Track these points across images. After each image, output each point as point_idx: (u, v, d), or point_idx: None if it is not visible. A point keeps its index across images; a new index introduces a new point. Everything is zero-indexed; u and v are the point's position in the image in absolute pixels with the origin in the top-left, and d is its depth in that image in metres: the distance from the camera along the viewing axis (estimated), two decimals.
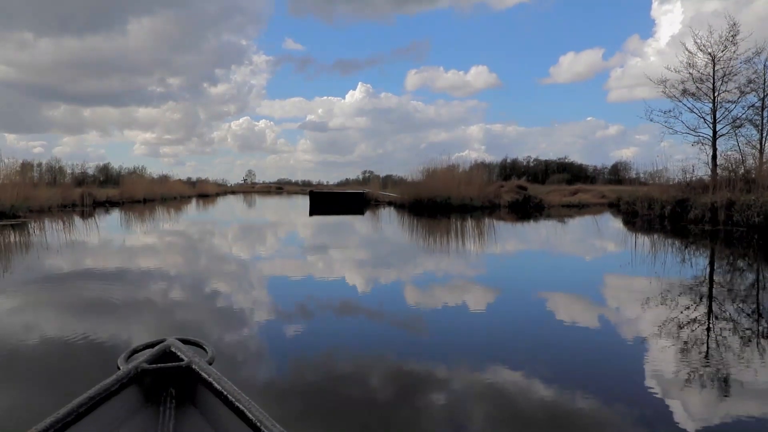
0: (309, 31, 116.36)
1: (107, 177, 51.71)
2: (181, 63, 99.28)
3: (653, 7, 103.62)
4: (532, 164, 79.35)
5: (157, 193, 34.67)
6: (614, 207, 25.58)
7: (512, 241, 12.42)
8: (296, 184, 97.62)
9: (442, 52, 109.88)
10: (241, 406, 1.67)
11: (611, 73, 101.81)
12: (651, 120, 20.80)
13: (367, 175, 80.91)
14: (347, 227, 17.22)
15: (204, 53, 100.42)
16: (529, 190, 28.16)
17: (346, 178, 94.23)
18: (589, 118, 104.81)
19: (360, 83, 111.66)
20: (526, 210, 23.20)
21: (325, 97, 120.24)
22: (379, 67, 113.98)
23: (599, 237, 13.84)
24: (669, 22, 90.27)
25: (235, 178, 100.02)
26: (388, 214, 22.38)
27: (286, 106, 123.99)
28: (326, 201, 28.25)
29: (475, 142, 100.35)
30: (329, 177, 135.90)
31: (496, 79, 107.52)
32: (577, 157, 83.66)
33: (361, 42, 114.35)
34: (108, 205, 25.93)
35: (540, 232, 15.33)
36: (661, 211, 17.48)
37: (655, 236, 13.52)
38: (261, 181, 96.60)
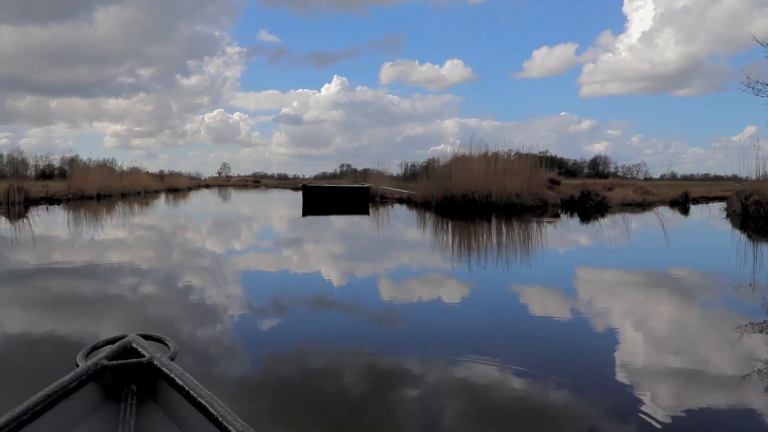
0: (283, 22, 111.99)
1: (74, 170, 46.01)
2: (152, 53, 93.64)
3: (625, 3, 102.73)
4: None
5: (116, 188, 29.21)
6: (679, 205, 21.70)
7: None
8: (272, 177, 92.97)
9: (417, 45, 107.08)
10: (203, 402, 1.57)
11: (584, 68, 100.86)
12: (757, 95, 16.65)
13: (344, 168, 76.44)
14: (371, 238, 12.50)
15: (176, 44, 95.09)
16: (561, 185, 23.90)
17: (323, 172, 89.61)
18: (562, 113, 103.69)
19: (335, 76, 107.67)
20: (584, 210, 18.62)
21: (300, 90, 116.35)
22: (354, 60, 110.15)
23: None
24: (640, 18, 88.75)
25: (208, 171, 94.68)
26: (405, 214, 17.78)
27: (260, 99, 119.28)
28: (323, 197, 23.58)
29: (451, 136, 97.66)
30: (305, 170, 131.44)
31: (471, 72, 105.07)
32: (552, 152, 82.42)
33: (336, 34, 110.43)
34: (46, 203, 20.54)
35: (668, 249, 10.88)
36: None
37: None
38: (236, 174, 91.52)
